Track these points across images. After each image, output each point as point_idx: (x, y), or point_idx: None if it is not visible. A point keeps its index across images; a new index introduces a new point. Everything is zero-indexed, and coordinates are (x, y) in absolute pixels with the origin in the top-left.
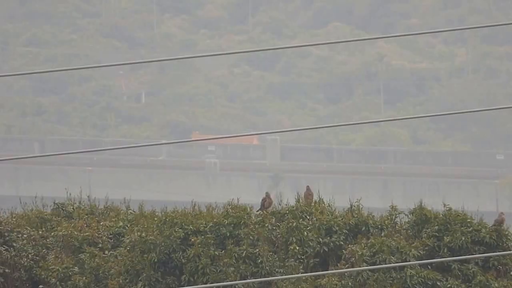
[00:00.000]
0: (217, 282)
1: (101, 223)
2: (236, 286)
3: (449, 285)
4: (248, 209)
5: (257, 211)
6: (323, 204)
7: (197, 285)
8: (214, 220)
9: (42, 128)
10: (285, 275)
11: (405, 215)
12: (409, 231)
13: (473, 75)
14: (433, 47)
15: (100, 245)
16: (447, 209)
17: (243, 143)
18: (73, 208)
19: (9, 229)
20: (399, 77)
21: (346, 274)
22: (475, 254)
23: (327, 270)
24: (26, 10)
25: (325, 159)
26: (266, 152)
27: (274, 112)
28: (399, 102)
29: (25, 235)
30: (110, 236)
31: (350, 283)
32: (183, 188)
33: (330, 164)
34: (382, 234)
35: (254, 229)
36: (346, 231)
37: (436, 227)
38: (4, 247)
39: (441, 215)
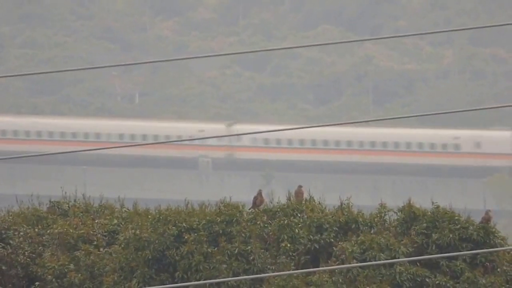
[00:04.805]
0: (210, 279)
1: (96, 221)
2: (229, 283)
3: (437, 282)
4: (240, 207)
5: (249, 209)
6: (313, 202)
7: (190, 281)
8: (207, 217)
9: None
10: (277, 272)
11: (394, 212)
12: (398, 228)
13: (460, 76)
14: (421, 49)
15: (95, 243)
16: (435, 206)
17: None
18: (68, 206)
19: (5, 227)
20: (387, 78)
21: (336, 270)
22: (463, 251)
23: (318, 267)
24: (22, 12)
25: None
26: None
27: (265, 113)
28: (387, 103)
29: (21, 233)
30: (104, 233)
31: (340, 280)
32: (176, 187)
33: (321, 163)
34: (372, 232)
35: (246, 227)
36: (337, 229)
37: (425, 225)
38: (1, 244)
39: (429, 213)
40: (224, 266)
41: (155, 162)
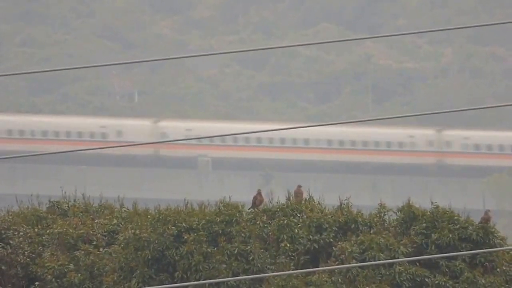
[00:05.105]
0: (209, 279)
1: (96, 221)
2: (228, 283)
3: (437, 282)
4: (240, 207)
5: (249, 209)
6: (313, 202)
7: (190, 281)
8: (207, 217)
9: None
10: (276, 272)
11: (394, 212)
12: (397, 228)
13: (459, 75)
14: (420, 47)
15: (94, 243)
16: (435, 206)
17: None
18: (68, 206)
19: (5, 226)
20: (387, 76)
21: (336, 270)
22: (462, 251)
23: (318, 267)
24: (21, 10)
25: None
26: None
27: (265, 111)
28: (387, 101)
29: (21, 233)
30: (104, 233)
31: (340, 280)
32: (176, 187)
33: (320, 162)
34: (371, 232)
35: (245, 227)
36: (336, 229)
37: (424, 225)
38: (0, 244)
39: (428, 213)
40: (224, 266)
41: (155, 161)
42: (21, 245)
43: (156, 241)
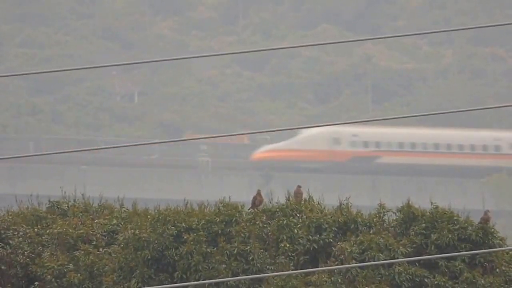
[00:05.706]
0: (209, 279)
1: (95, 221)
2: (228, 283)
3: (436, 282)
4: (240, 207)
5: (248, 209)
6: (312, 202)
7: (189, 282)
8: (206, 218)
9: (37, 128)
10: (276, 272)
11: (393, 213)
12: (397, 228)
13: (459, 76)
14: (420, 48)
15: (94, 243)
16: (434, 207)
17: (234, 142)
18: (67, 206)
19: (5, 226)
20: (387, 77)
21: (335, 271)
22: (462, 251)
23: (317, 267)
24: (22, 11)
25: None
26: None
27: (264, 112)
28: (387, 102)
29: (21, 233)
30: (104, 233)
31: (339, 280)
32: (175, 187)
33: (320, 163)
34: (371, 232)
35: (245, 227)
36: (336, 229)
37: (424, 225)
38: (0, 244)
39: (428, 213)
40: (223, 266)
41: (155, 162)
42: (21, 245)
43: (156, 241)
